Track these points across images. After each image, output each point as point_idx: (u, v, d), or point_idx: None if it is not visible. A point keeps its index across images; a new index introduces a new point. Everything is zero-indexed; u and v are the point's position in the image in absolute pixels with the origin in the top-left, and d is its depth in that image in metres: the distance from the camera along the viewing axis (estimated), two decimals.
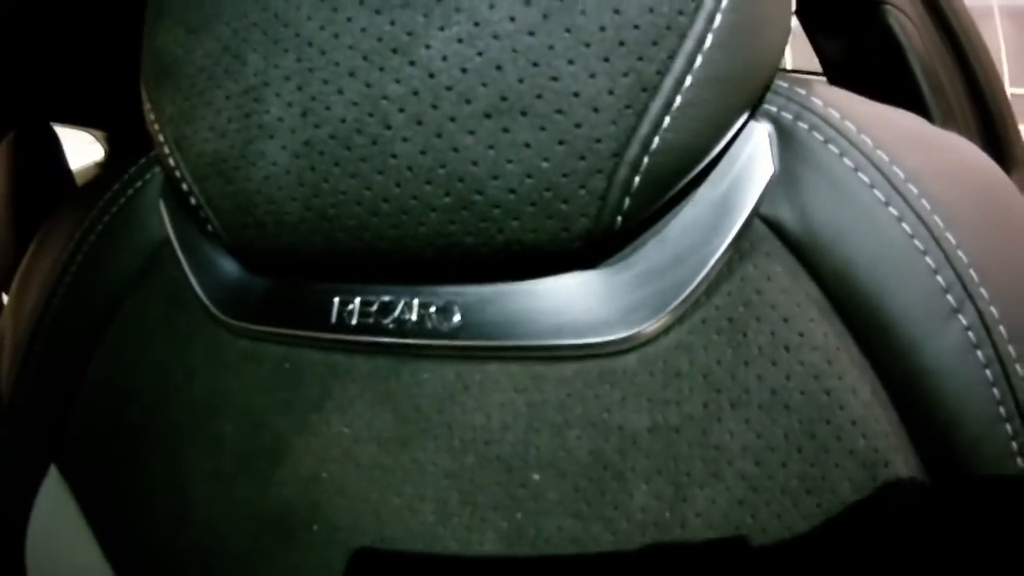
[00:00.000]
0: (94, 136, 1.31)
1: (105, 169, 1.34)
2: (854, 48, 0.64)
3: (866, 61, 0.63)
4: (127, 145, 1.22)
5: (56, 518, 0.47)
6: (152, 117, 0.36)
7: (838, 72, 0.68)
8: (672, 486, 0.32)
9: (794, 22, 0.69)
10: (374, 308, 0.36)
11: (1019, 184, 0.35)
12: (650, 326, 0.32)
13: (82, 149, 1.34)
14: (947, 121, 0.58)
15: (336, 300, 0.36)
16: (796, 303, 0.31)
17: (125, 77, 1.05)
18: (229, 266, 0.40)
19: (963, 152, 0.35)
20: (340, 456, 0.37)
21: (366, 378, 0.37)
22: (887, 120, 0.33)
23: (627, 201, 0.30)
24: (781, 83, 0.33)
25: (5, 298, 1.19)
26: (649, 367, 0.32)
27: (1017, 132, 0.62)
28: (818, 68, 0.74)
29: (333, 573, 0.37)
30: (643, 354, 0.32)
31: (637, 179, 0.29)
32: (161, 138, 0.36)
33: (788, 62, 1.45)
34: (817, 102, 0.32)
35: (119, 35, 1.04)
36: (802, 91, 0.33)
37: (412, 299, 0.35)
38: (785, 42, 0.33)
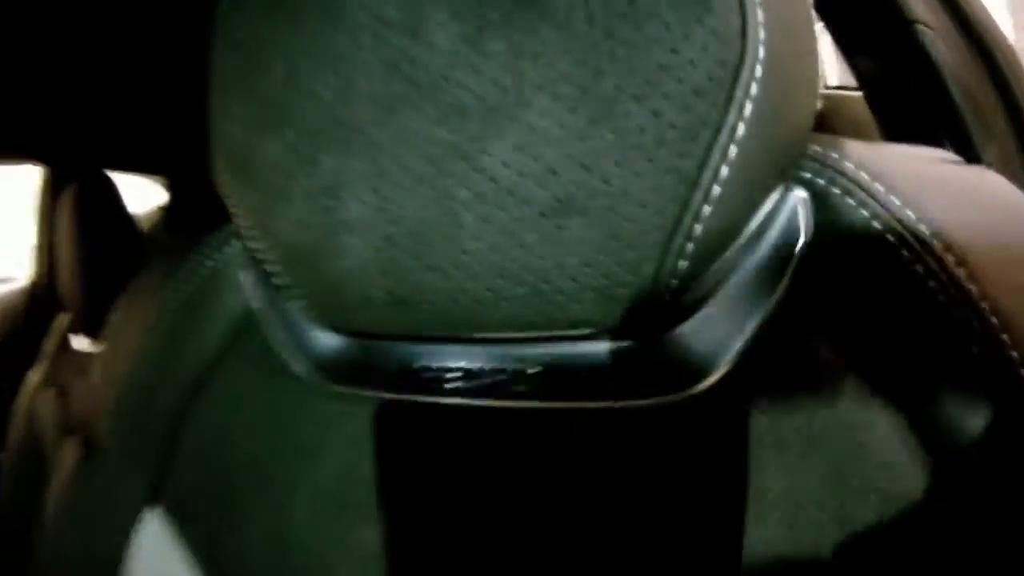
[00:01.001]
0: (156, 181, 1.36)
1: (168, 212, 1.39)
2: (888, 68, 0.64)
3: (901, 81, 0.63)
4: (189, 190, 1.27)
5: (155, 559, 0.50)
6: (231, 203, 0.38)
7: (875, 91, 0.68)
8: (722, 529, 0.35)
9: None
10: (455, 374, 0.38)
11: None
12: (700, 386, 0.33)
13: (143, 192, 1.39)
14: (985, 138, 0.58)
15: (419, 366, 0.39)
16: (831, 360, 0.33)
17: (184, 129, 1.09)
18: (317, 333, 0.42)
19: (993, 191, 0.37)
20: (431, 506, 0.41)
21: (451, 437, 0.40)
22: (915, 173, 0.35)
23: (674, 282, 0.31)
24: (815, 147, 0.34)
25: (75, 340, 1.23)
26: (700, 423, 0.35)
27: None
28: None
29: None
30: (694, 412, 0.35)
31: (683, 263, 0.31)
32: (243, 223, 0.38)
33: (833, 78, 1.45)
34: (849, 165, 0.34)
35: (178, 89, 1.09)
36: (835, 154, 0.34)
37: (488, 365, 0.38)
38: (814, 107, 0.34)
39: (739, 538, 0.34)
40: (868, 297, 0.33)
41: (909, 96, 0.63)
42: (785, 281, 0.33)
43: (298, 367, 0.42)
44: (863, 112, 0.71)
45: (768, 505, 0.34)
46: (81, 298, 1.20)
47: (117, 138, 1.23)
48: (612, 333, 0.34)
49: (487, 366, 0.38)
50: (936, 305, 0.31)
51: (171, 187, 1.31)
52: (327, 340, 0.42)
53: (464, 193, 0.31)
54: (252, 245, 0.38)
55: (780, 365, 0.34)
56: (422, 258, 0.33)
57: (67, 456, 0.55)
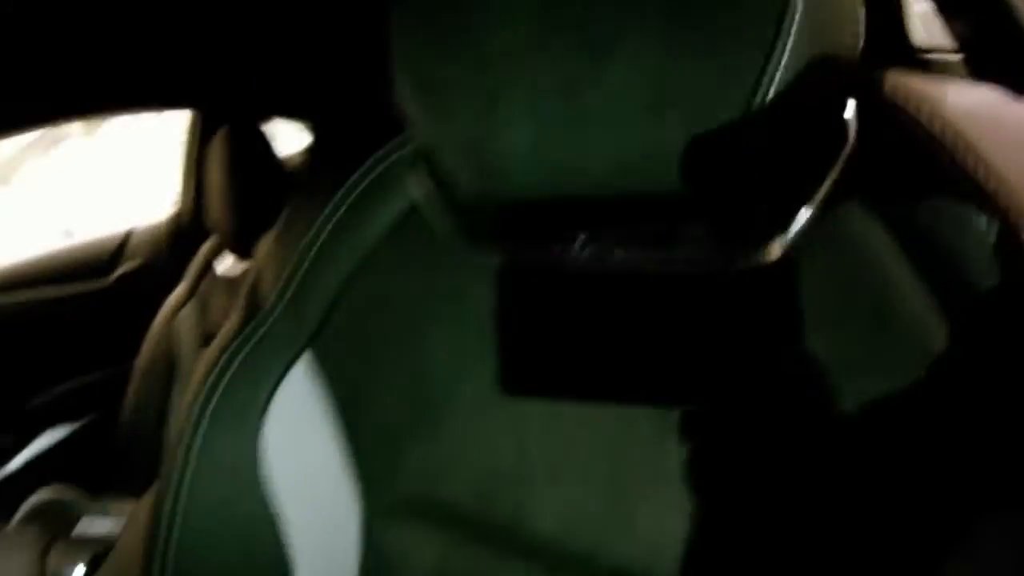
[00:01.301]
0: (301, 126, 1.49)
1: (313, 154, 1.52)
2: (979, 28, 0.72)
3: (991, 41, 0.71)
4: (333, 133, 1.37)
5: (295, 402, 0.62)
6: (412, 113, 0.50)
7: (970, 54, 0.76)
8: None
9: None
10: (581, 242, 0.49)
11: None
12: (762, 259, 0.44)
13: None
14: None
15: (554, 235, 0.50)
16: (868, 242, 0.43)
17: (330, 75, 1.22)
18: (474, 212, 0.53)
19: None
20: (555, 344, 0.53)
21: (579, 293, 0.51)
22: (953, 96, 0.44)
23: (739, 157, 0.43)
24: (863, 67, 0.45)
25: (220, 264, 1.36)
26: (758, 289, 0.45)
27: None
28: None
29: (534, 425, 0.53)
30: (755, 279, 0.45)
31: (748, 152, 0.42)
32: (421, 128, 0.50)
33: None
34: (888, 87, 0.44)
35: (328, 38, 1.21)
36: (879, 78, 0.44)
37: (609, 236, 0.49)
38: (855, 42, 0.45)
39: (791, 376, 0.44)
40: (901, 194, 0.43)
41: (1000, 58, 0.71)
42: (833, 177, 0.43)
43: (455, 239, 0.54)
44: (963, 75, 0.78)
45: (815, 357, 0.44)
46: (231, 223, 1.34)
47: (269, 84, 1.37)
48: (702, 208, 0.45)
49: (607, 237, 0.48)
50: (959, 201, 0.41)
51: (316, 130, 1.43)
52: (482, 216, 0.53)
53: (590, 97, 0.43)
54: (427, 144, 0.51)
55: (826, 245, 0.44)
56: (563, 145, 0.45)
57: (232, 320, 0.67)
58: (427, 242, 0.56)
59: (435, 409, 0.57)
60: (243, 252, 1.37)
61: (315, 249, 0.61)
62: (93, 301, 1.68)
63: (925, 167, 0.42)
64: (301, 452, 0.62)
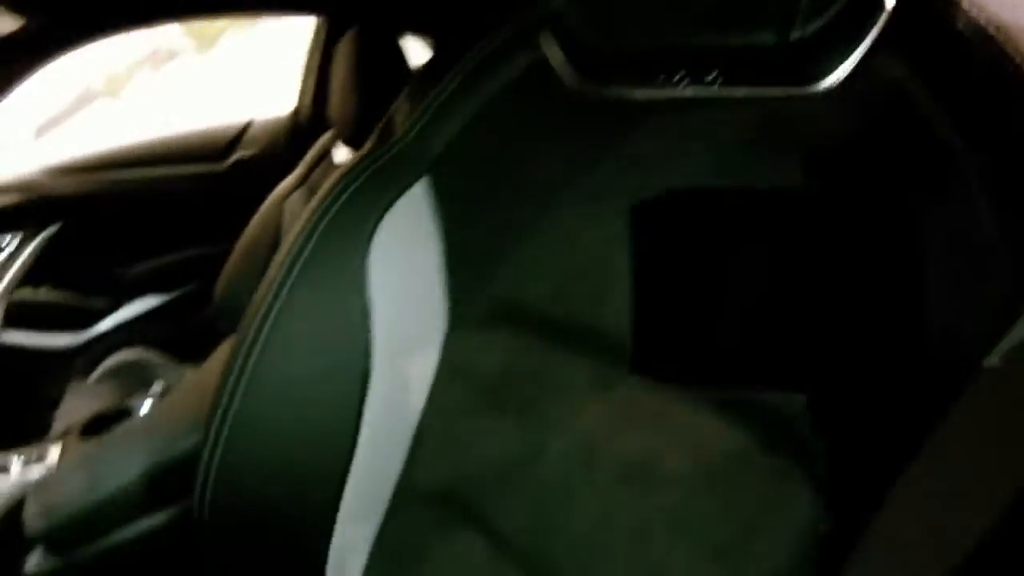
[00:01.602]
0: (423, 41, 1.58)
1: (430, 69, 1.60)
2: None
3: None
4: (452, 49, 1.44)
5: (412, 216, 0.72)
6: None
7: None
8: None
9: None
10: (680, 76, 0.59)
11: None
12: (827, 83, 0.54)
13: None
14: None
15: (657, 72, 0.60)
16: (900, 84, 0.52)
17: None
18: (592, 61, 0.64)
19: None
20: (653, 174, 0.63)
21: (677, 111, 0.62)
22: None
23: (800, 18, 0.52)
24: None
25: (337, 153, 1.44)
26: (816, 108, 0.55)
27: None
28: None
29: (619, 236, 0.62)
30: (811, 103, 0.55)
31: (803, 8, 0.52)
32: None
33: None
34: None
35: None
36: None
37: (690, 70, 0.59)
38: None
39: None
40: (929, 42, 0.51)
41: None
42: (876, 31, 0.52)
43: (576, 83, 0.64)
44: None
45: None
46: (353, 113, 1.42)
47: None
48: (769, 41, 0.54)
49: (691, 70, 0.58)
50: (968, 52, 0.48)
51: (435, 47, 1.52)
52: (598, 62, 0.63)
53: None
54: (554, 8, 0.63)
55: (866, 82, 0.52)
56: (657, 11, 0.56)
57: (363, 148, 0.77)
58: (545, 90, 0.67)
59: (533, 222, 0.67)
60: (360, 144, 1.44)
61: (446, 93, 0.72)
62: (206, 183, 1.79)
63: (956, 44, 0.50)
64: (404, 265, 0.71)
